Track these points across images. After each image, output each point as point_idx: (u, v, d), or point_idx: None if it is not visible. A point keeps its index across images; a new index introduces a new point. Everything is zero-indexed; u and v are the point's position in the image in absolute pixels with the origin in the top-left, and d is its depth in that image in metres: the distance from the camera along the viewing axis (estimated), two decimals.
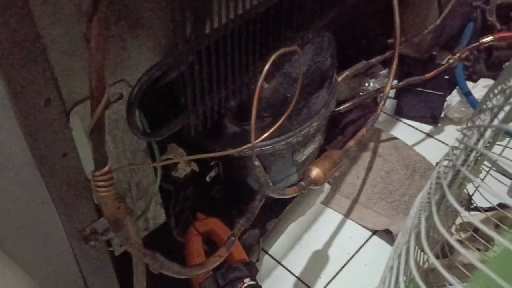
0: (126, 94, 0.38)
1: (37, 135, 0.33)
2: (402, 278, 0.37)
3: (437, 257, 0.68)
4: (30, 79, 0.31)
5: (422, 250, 0.62)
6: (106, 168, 0.31)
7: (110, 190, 0.32)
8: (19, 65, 0.30)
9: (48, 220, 0.40)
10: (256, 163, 0.44)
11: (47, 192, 0.37)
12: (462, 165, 0.39)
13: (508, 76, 0.33)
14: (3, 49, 0.28)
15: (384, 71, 0.96)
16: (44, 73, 0.31)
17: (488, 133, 0.33)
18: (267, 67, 0.34)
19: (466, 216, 0.33)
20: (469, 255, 0.28)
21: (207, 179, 0.65)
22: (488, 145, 0.41)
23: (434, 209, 0.34)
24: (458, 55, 0.79)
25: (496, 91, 0.33)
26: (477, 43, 0.82)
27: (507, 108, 0.36)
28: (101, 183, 0.31)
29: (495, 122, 0.37)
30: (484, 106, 0.33)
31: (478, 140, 0.35)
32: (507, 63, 0.30)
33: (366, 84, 0.95)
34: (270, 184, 0.47)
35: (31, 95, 0.31)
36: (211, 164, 0.65)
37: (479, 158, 0.37)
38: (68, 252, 0.42)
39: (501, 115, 0.37)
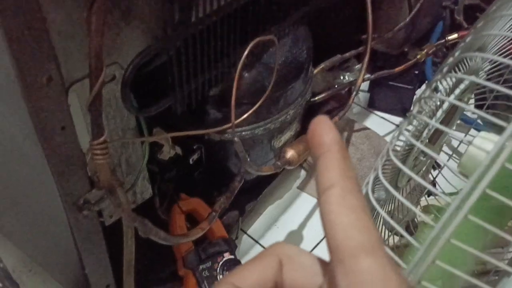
0: (119, 76, 0.42)
1: (39, 110, 0.37)
2: None
3: (402, 235, 0.74)
4: (34, 59, 0.35)
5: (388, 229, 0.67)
6: (102, 138, 0.35)
7: (106, 158, 0.36)
8: (25, 46, 0.33)
9: (45, 191, 0.44)
10: (236, 139, 0.49)
11: (46, 163, 0.40)
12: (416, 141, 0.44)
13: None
14: (13, 32, 0.32)
15: (358, 66, 1.02)
16: (47, 53, 0.35)
17: (445, 105, 0.38)
18: (246, 52, 0.39)
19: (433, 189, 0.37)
20: (423, 216, 0.33)
21: (190, 161, 0.69)
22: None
23: (392, 190, 0.39)
24: (425, 50, 0.85)
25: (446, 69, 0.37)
26: (443, 40, 0.88)
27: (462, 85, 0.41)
28: (99, 151, 0.35)
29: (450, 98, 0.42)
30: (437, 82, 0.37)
31: (432, 114, 0.40)
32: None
33: (341, 78, 1.00)
34: (248, 159, 0.52)
35: (34, 73, 0.35)
36: (194, 147, 0.69)
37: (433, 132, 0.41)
38: (63, 222, 0.46)
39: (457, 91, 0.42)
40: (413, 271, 0.25)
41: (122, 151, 0.48)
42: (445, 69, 0.35)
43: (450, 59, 0.34)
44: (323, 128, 0.19)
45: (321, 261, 0.20)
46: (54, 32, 0.35)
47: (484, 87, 0.59)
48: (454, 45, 0.99)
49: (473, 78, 0.36)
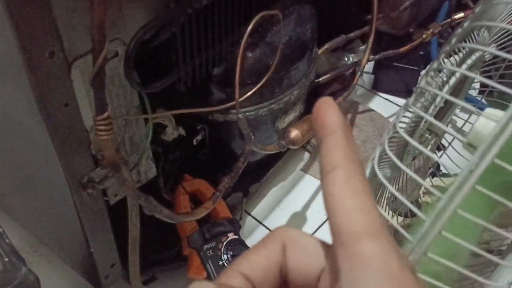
0: (121, 52, 0.41)
1: (42, 85, 0.36)
2: None
3: (406, 216, 0.74)
4: (37, 33, 0.34)
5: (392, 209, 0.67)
6: (106, 114, 0.35)
7: (110, 134, 0.35)
8: (28, 19, 0.33)
9: (50, 169, 0.44)
10: (240, 116, 0.48)
11: (50, 141, 0.40)
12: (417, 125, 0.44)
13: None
14: (15, 5, 0.32)
15: (363, 47, 1.01)
16: (49, 27, 0.35)
17: (452, 80, 0.37)
18: (250, 27, 0.38)
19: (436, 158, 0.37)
20: (431, 188, 0.33)
21: (194, 142, 0.69)
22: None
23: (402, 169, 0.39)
24: (431, 30, 0.84)
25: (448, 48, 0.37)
26: (449, 19, 0.87)
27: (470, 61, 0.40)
28: (102, 127, 0.35)
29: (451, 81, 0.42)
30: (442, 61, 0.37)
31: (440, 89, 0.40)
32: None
33: (346, 59, 0.99)
34: (252, 137, 0.52)
35: (37, 47, 0.35)
36: (198, 128, 0.69)
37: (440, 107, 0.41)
38: (68, 201, 0.46)
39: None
40: (419, 243, 0.25)
41: (126, 130, 0.48)
42: (453, 40, 0.34)
43: (459, 30, 0.33)
44: (327, 110, 0.19)
45: (324, 244, 0.20)
46: (56, 6, 0.35)
47: (490, 65, 0.58)
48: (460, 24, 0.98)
49: (485, 48, 0.36)
